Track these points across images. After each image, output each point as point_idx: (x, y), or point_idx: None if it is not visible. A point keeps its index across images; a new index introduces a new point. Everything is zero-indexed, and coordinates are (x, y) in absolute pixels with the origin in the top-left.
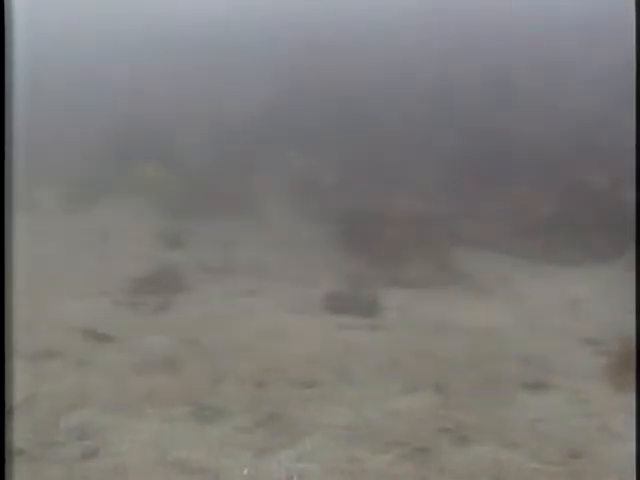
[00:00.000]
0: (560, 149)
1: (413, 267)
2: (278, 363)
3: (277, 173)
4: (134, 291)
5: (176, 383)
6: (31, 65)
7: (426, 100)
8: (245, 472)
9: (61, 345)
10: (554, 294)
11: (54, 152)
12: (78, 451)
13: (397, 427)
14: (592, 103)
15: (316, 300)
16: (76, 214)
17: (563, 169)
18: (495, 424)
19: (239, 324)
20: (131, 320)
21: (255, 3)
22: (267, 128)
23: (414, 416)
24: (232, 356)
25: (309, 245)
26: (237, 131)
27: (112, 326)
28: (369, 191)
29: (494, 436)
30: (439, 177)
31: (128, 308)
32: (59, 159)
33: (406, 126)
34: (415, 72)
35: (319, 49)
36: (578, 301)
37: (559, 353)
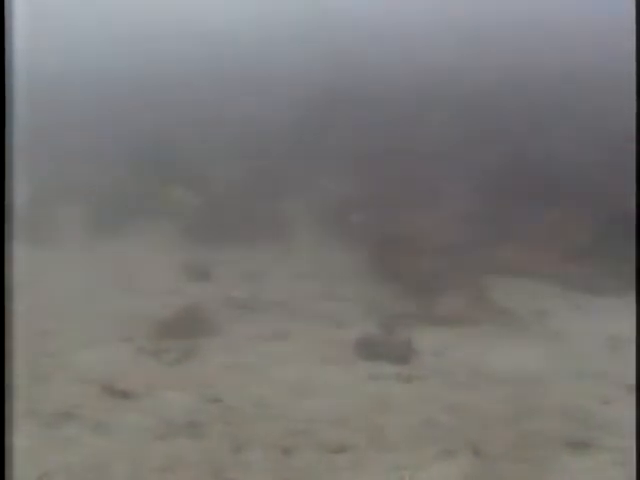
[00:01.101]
0: (599, 170)
1: (447, 300)
2: (306, 424)
3: (307, 195)
4: (157, 336)
5: (198, 450)
6: (48, 76)
7: (459, 116)
8: None
9: (76, 404)
10: (594, 331)
11: (72, 172)
12: None
13: None
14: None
15: (347, 345)
16: (96, 242)
17: (601, 191)
18: None
19: (266, 376)
20: (152, 372)
21: (279, 15)
22: (296, 146)
23: None
24: (258, 416)
25: (340, 276)
26: (265, 150)
27: (132, 380)
28: (400, 214)
29: None
30: (472, 199)
31: (150, 356)
32: (78, 180)
33: (439, 143)
34: (447, 87)
35: (346, 63)
36: (620, 339)
37: (603, 404)
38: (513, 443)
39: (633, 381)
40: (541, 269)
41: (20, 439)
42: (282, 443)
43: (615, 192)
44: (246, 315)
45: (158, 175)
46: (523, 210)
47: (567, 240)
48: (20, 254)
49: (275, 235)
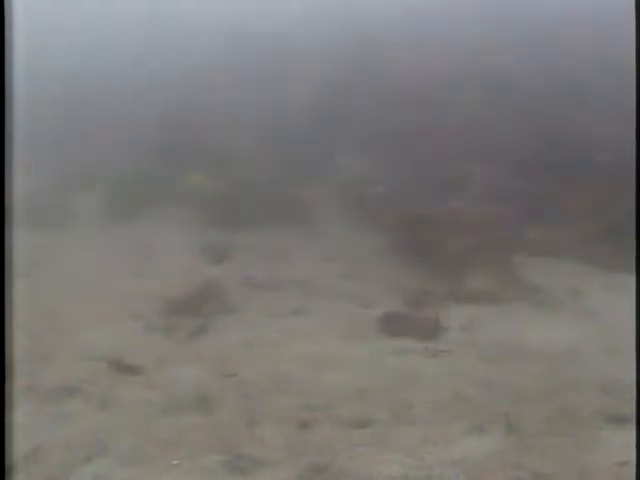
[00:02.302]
0: (628, 147)
1: (476, 279)
2: (325, 398)
3: (329, 177)
4: (170, 313)
5: (208, 426)
6: (69, 61)
7: (487, 96)
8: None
9: (82, 379)
10: (628, 309)
11: (92, 155)
12: None
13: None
14: None
15: (370, 321)
16: (114, 224)
17: (630, 169)
18: (576, 470)
19: (283, 351)
20: (163, 348)
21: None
22: (318, 130)
23: (482, 465)
24: (273, 391)
25: (363, 256)
26: (286, 135)
27: (141, 356)
28: (427, 194)
29: None
30: (501, 178)
31: (162, 333)
32: (98, 162)
33: (467, 125)
34: (475, 68)
35: (370, 49)
36: None
37: None
38: (547, 418)
39: None
40: (572, 249)
41: (19, 415)
42: (299, 418)
43: None
44: (264, 294)
45: (176, 160)
46: (554, 189)
47: (599, 219)
48: (36, 237)
49: (297, 217)
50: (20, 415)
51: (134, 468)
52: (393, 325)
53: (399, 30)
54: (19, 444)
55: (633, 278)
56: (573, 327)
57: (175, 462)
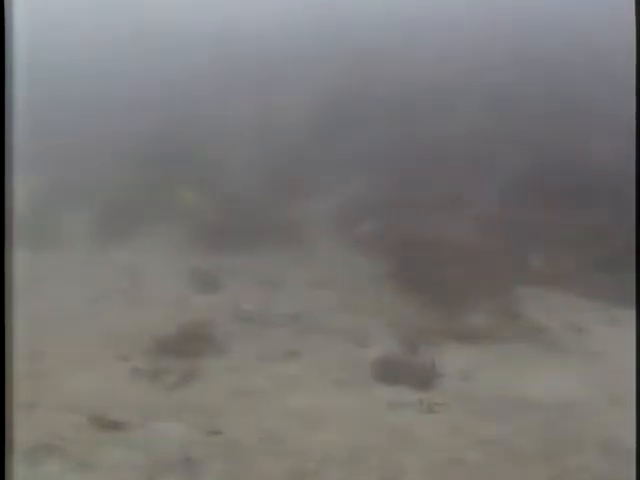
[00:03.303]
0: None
1: (474, 313)
2: (315, 462)
3: (324, 197)
4: (158, 354)
5: None
6: (50, 76)
7: (483, 114)
8: None
9: (63, 436)
10: (631, 348)
11: (80, 170)
12: None
13: None
14: None
15: (364, 365)
16: (103, 245)
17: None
18: None
19: (273, 404)
20: (148, 398)
21: (297, 15)
22: (312, 146)
23: None
24: (261, 452)
25: (358, 284)
26: (280, 151)
27: (125, 408)
28: (424, 216)
29: None
30: (501, 201)
31: (148, 379)
32: (86, 178)
33: (465, 143)
34: (474, 84)
35: (367, 62)
36: None
37: None
38: None
39: None
40: (574, 279)
41: None
42: None
43: None
44: (255, 330)
45: (168, 176)
46: (553, 215)
47: (600, 247)
48: (22, 260)
49: (290, 238)
50: None
51: None
52: (388, 371)
53: (397, 44)
54: None
55: (633, 313)
56: (574, 373)
57: None
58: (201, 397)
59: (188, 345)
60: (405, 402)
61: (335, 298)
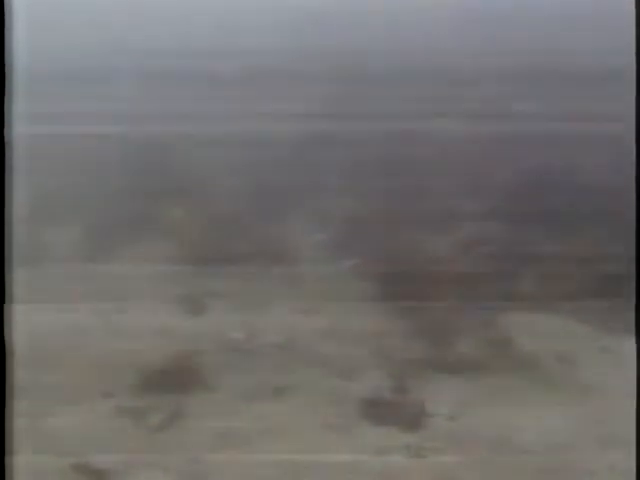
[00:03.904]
0: (630, 192)
1: (462, 344)
2: None
3: (316, 212)
4: (142, 389)
5: None
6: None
7: (472, 124)
8: None
9: None
10: (627, 381)
11: (61, 182)
12: None
13: None
14: None
15: (353, 404)
16: (86, 263)
17: (633, 216)
18: None
19: (260, 450)
20: (132, 442)
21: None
22: (306, 159)
23: None
24: None
25: (347, 309)
26: (273, 162)
27: (110, 452)
28: (412, 235)
29: None
30: (488, 220)
31: (131, 419)
32: (68, 190)
33: (455, 160)
34: (459, 92)
35: (360, 73)
36: None
37: None
38: None
39: None
40: (564, 303)
41: None
42: None
43: None
44: (243, 362)
45: (154, 191)
46: (542, 234)
47: (592, 270)
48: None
49: (279, 258)
50: None
51: None
52: (376, 411)
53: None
54: None
55: (626, 340)
56: (568, 412)
57: None
58: (186, 441)
59: (173, 379)
60: (393, 447)
61: (321, 325)
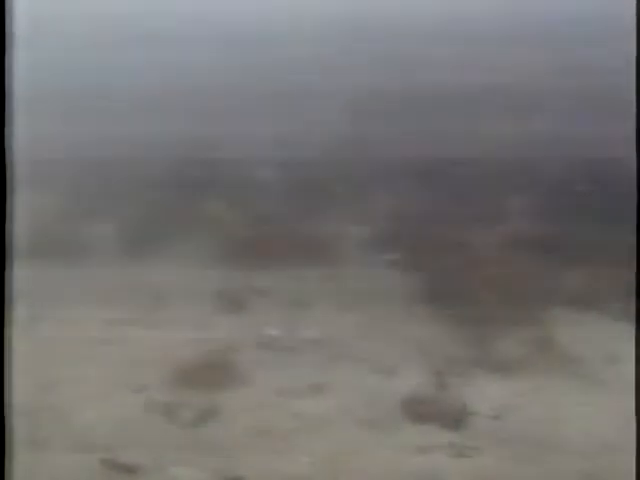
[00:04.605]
0: None
1: (506, 342)
2: None
3: (355, 211)
4: (176, 385)
5: None
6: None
7: (519, 119)
8: None
9: None
10: None
11: (100, 182)
12: None
13: None
14: None
15: (393, 402)
16: (123, 261)
17: None
18: None
19: (296, 448)
20: (164, 438)
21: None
22: (346, 158)
23: None
24: None
25: (386, 306)
26: (313, 161)
27: (140, 448)
28: (456, 234)
29: None
30: (534, 216)
31: (164, 415)
32: (107, 190)
33: (495, 151)
34: (503, 88)
35: (395, 71)
36: None
37: None
38: None
39: None
40: (612, 301)
41: None
42: None
43: None
44: (280, 358)
45: (193, 188)
46: (591, 229)
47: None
48: (35, 276)
49: (318, 256)
50: None
51: None
52: (417, 408)
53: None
54: None
55: None
56: (616, 409)
57: None
58: (220, 437)
59: (208, 375)
60: (435, 445)
61: (362, 320)
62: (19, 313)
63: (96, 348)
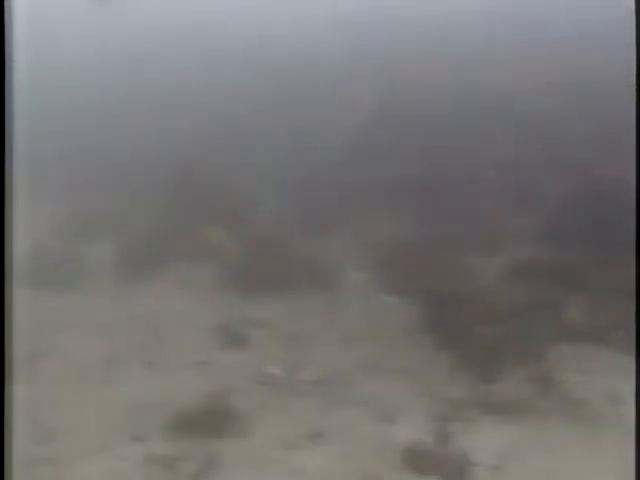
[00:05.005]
0: None
1: (507, 379)
2: None
3: (355, 236)
4: (174, 433)
5: None
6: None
7: (522, 141)
8: None
9: None
10: None
11: (99, 204)
12: None
13: None
14: None
15: (393, 452)
16: (122, 288)
17: None
18: None
19: None
20: None
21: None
22: (343, 178)
23: None
24: None
25: (387, 340)
26: (311, 183)
27: None
28: (456, 260)
29: None
30: (535, 242)
31: (162, 468)
32: (106, 212)
33: (499, 178)
34: (507, 106)
35: (395, 90)
36: None
37: None
38: None
39: None
40: (615, 335)
41: None
42: None
43: None
44: (281, 401)
45: (192, 212)
46: (593, 257)
47: None
48: (32, 304)
49: (318, 283)
50: None
51: None
52: (418, 459)
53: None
54: None
55: None
56: (616, 458)
57: None
58: None
59: (207, 422)
60: None
61: (363, 356)
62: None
63: (95, 391)
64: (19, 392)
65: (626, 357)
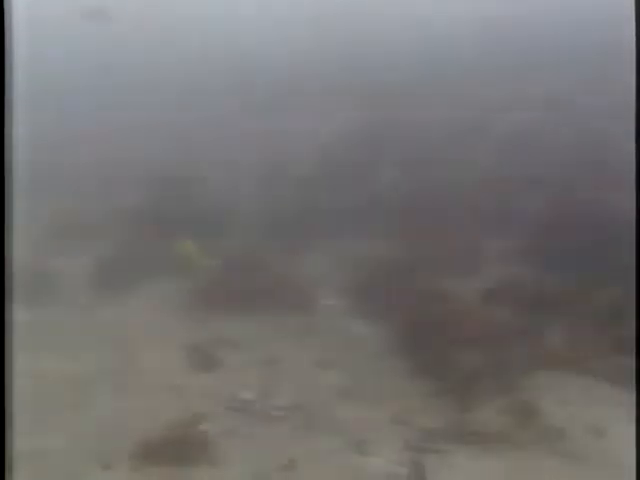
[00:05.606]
0: None
1: (485, 407)
2: None
3: (332, 256)
4: (143, 460)
5: None
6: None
7: (504, 157)
8: None
9: None
10: None
11: (75, 218)
12: None
13: None
14: None
15: None
16: (95, 305)
17: None
18: None
19: None
20: None
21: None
22: (321, 197)
23: None
24: None
25: (363, 364)
26: (289, 196)
27: None
28: (434, 284)
29: None
30: (515, 263)
31: None
32: (82, 227)
33: (481, 197)
34: (489, 121)
35: (382, 102)
36: None
37: None
38: None
39: None
40: (593, 362)
41: None
42: None
43: None
44: (252, 429)
45: (166, 225)
46: (576, 285)
47: (623, 325)
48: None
49: (293, 302)
50: None
51: None
52: None
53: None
54: None
55: None
56: None
57: None
58: None
59: (177, 451)
60: None
61: (338, 381)
62: None
63: (63, 416)
64: None
65: (606, 387)
